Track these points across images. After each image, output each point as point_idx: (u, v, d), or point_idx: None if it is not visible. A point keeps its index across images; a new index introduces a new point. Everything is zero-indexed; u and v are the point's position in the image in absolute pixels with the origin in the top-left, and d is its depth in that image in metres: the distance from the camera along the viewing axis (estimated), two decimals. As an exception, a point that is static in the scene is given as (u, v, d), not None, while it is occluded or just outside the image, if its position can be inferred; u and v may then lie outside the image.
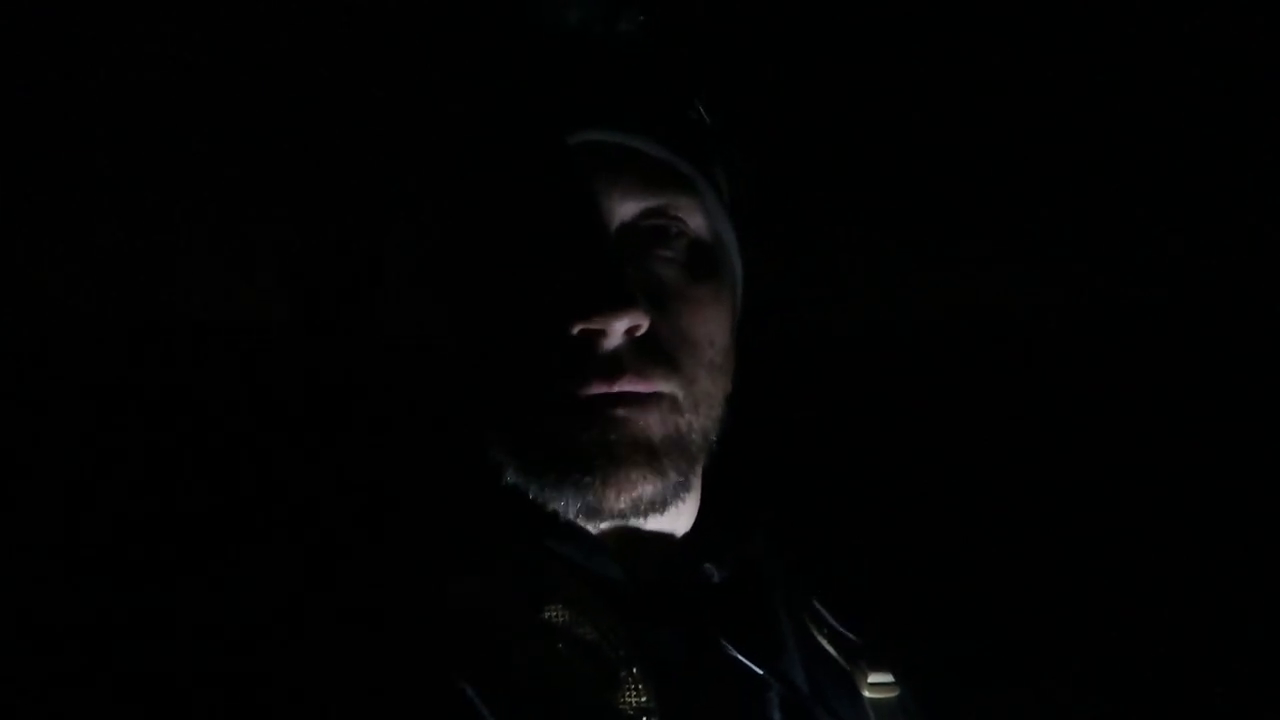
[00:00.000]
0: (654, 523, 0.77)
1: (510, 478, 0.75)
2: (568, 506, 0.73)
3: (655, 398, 0.72)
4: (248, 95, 1.37)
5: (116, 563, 1.17)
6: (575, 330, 0.69)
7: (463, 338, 0.77)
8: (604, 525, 0.76)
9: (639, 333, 0.71)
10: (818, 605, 0.87)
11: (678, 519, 0.80)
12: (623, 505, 0.71)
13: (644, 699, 0.69)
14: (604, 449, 0.70)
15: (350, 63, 1.32)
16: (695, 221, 0.76)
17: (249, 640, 0.70)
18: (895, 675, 0.85)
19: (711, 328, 0.75)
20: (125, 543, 1.20)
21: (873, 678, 0.84)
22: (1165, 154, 1.53)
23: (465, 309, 0.76)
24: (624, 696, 0.69)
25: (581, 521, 0.75)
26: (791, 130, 1.39)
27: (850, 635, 0.86)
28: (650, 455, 0.71)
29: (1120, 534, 1.45)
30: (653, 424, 0.71)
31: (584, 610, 0.71)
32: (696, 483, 0.80)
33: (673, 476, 0.72)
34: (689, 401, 0.73)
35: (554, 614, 0.71)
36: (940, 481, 1.47)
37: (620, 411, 0.70)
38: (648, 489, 0.71)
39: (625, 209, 0.73)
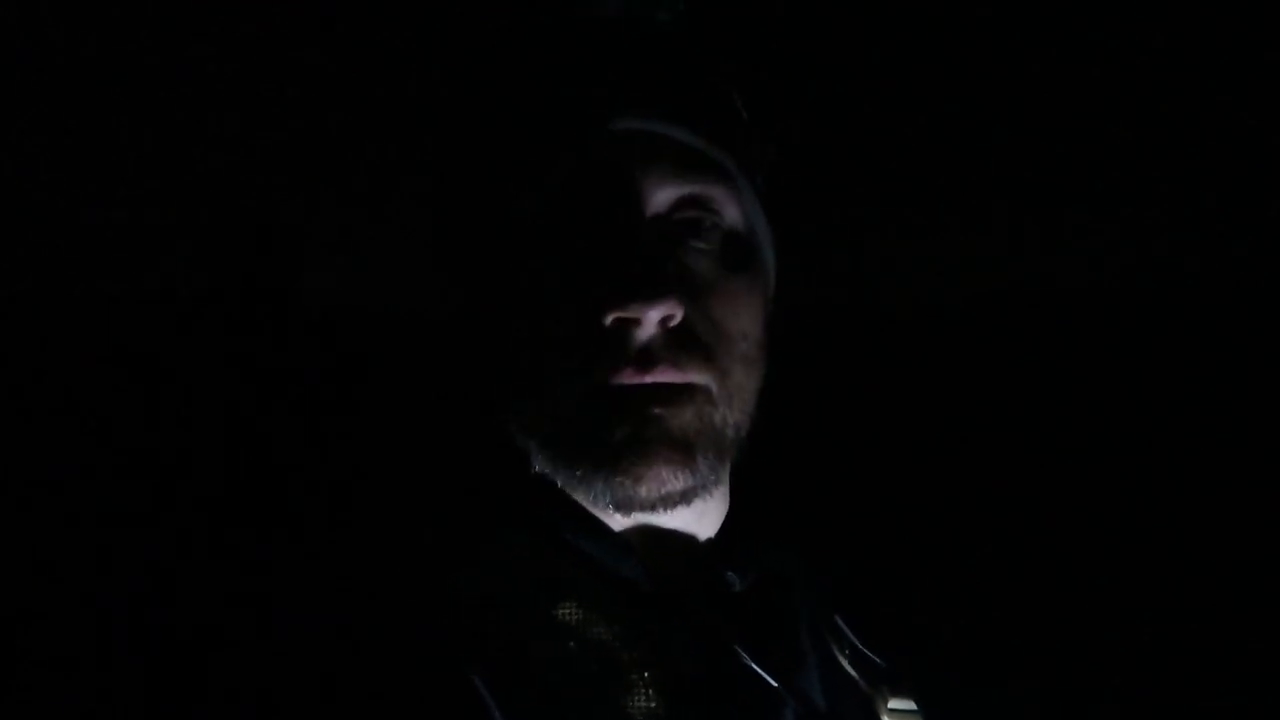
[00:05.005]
0: (679, 523, 0.75)
1: (539, 466, 0.74)
2: (597, 498, 0.71)
3: (689, 389, 0.71)
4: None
5: (116, 551, 1.15)
6: (609, 319, 0.68)
7: (493, 325, 0.75)
8: (629, 521, 0.74)
9: (673, 323, 0.70)
10: (840, 622, 0.85)
11: (703, 520, 0.78)
12: (654, 497, 0.70)
13: (654, 704, 0.67)
14: (638, 443, 0.69)
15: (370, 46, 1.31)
16: (730, 212, 0.75)
17: (249, 629, 0.69)
18: (917, 703, 0.82)
19: (745, 320, 0.74)
20: (126, 533, 1.18)
21: (893, 704, 0.82)
22: (1204, 135, 1.50)
23: (496, 295, 0.75)
24: (634, 700, 0.67)
25: (609, 514, 0.73)
26: (825, 109, 1.38)
27: (873, 656, 0.84)
28: (685, 450, 0.70)
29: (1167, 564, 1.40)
30: (687, 417, 0.70)
31: (598, 609, 0.70)
32: (725, 481, 0.79)
33: (705, 471, 0.71)
34: (723, 394, 0.72)
35: (568, 612, 0.69)
36: (971, 498, 1.43)
37: (655, 407, 0.69)
38: (679, 483, 0.70)
39: (661, 197, 0.72)
